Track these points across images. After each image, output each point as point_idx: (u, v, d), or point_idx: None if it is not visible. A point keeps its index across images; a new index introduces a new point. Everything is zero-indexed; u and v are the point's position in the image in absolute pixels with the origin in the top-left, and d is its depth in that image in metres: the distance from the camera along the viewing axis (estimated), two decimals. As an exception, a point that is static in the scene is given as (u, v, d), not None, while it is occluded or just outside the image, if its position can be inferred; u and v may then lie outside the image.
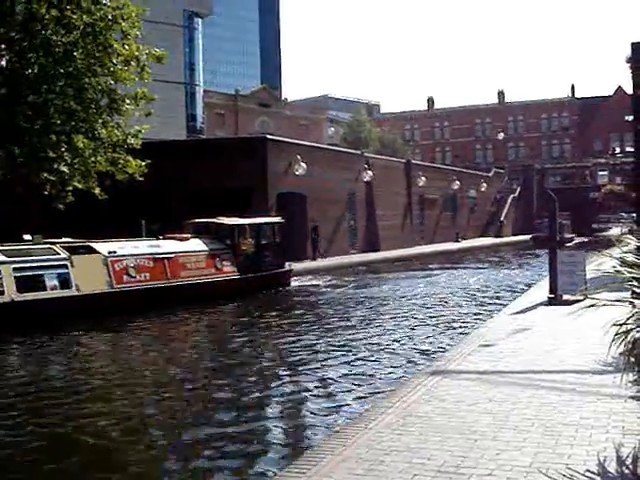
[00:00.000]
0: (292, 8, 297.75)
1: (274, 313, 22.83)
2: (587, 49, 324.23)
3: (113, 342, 18.61)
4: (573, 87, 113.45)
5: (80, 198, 25.67)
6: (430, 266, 39.96)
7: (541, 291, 19.07)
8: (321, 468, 6.46)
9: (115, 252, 22.43)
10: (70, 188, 25.01)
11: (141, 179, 26.12)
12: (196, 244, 25.68)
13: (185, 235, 25.79)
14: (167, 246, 24.50)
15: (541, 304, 17.04)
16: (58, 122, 24.16)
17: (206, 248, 25.78)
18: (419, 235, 57.07)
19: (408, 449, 6.79)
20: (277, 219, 29.72)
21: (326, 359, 14.70)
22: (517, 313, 16.10)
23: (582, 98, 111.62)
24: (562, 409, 7.95)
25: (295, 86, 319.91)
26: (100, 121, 24.79)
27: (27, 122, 24.18)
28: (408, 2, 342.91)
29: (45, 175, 24.32)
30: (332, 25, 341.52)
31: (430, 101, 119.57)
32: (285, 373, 13.91)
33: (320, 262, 38.06)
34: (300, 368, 14.08)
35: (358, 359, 14.65)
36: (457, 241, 60.77)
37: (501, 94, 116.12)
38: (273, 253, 28.80)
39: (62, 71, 23.94)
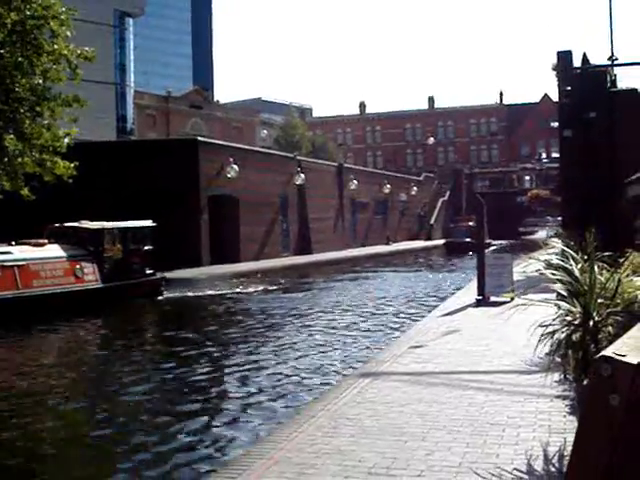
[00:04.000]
0: (225, 11, 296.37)
1: (132, 328, 21.05)
2: (515, 56, 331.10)
3: None
4: (501, 93, 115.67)
5: (5, 199, 25.03)
6: (360, 269, 40.20)
7: (469, 293, 19.37)
8: (252, 472, 6.44)
9: None
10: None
11: (69, 181, 25.58)
12: (53, 250, 23.37)
13: (41, 240, 23.50)
14: (18, 252, 22.12)
15: (469, 306, 17.32)
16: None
17: (64, 254, 23.47)
18: (351, 238, 57.36)
19: (339, 452, 6.81)
20: (148, 223, 26.90)
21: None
22: (446, 315, 16.32)
23: (510, 105, 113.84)
24: (490, 409, 8.08)
25: (228, 89, 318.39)
26: (28, 122, 24.20)
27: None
28: (339, 7, 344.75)
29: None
30: (265, 28, 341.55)
31: (362, 105, 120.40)
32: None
33: (247, 265, 37.84)
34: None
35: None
36: (388, 244, 61.30)
37: (431, 100, 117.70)
38: (143, 260, 26.60)
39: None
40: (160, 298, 26.43)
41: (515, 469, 6.13)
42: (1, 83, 23.67)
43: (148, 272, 26.85)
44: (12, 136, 23.86)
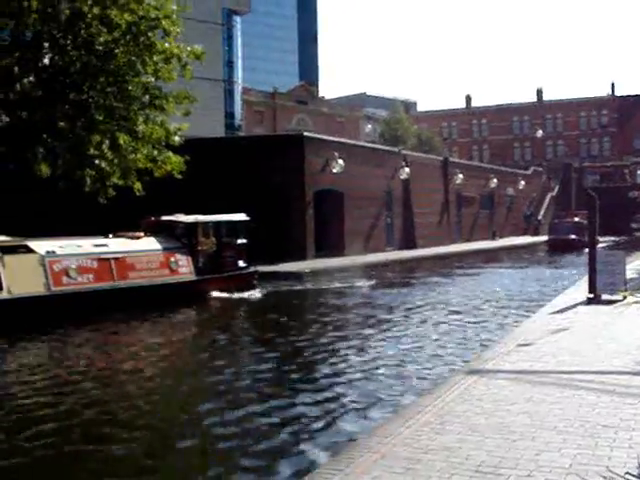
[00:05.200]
0: (329, 6, 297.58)
1: (227, 318, 21.70)
2: (628, 47, 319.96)
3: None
4: (613, 85, 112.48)
5: (118, 194, 25.93)
6: (466, 264, 39.73)
7: (580, 290, 18.91)
8: (359, 465, 6.49)
9: (54, 252, 20.61)
10: (110, 183, 25.33)
11: (179, 176, 26.32)
12: (149, 243, 23.74)
13: (137, 233, 23.86)
14: (115, 245, 22.58)
15: (580, 304, 16.90)
16: (100, 119, 24.50)
17: (159, 247, 23.82)
18: (456, 233, 56.77)
19: (446, 448, 6.80)
20: (242, 216, 26.98)
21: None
22: (556, 312, 15.97)
23: (622, 96, 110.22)
24: (601, 410, 7.90)
25: (332, 84, 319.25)
26: (141, 119, 25.06)
27: (68, 120, 24.55)
28: (447, 1, 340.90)
29: (87, 170, 24.70)
30: (369, 23, 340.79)
31: (468, 99, 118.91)
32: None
33: (351, 259, 37.83)
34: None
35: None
36: (494, 239, 60.38)
37: (539, 92, 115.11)
38: (236, 253, 26.65)
39: (104, 69, 24.25)
40: (254, 291, 26.22)
41: (627, 473, 5.98)
42: (115, 82, 24.60)
43: (241, 265, 26.95)
44: (126, 134, 24.77)
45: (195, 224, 25.33)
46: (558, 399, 8.42)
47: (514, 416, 7.78)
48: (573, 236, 51.38)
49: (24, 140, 24.62)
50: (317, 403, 11.12)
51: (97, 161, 24.67)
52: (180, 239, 24.83)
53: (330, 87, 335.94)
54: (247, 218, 27.05)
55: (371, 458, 6.63)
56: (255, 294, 25.82)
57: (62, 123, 24.57)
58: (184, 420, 10.91)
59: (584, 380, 9.31)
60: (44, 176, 25.31)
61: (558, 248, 50.77)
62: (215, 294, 24.75)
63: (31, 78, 25.00)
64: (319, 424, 10.00)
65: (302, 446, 9.13)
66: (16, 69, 24.62)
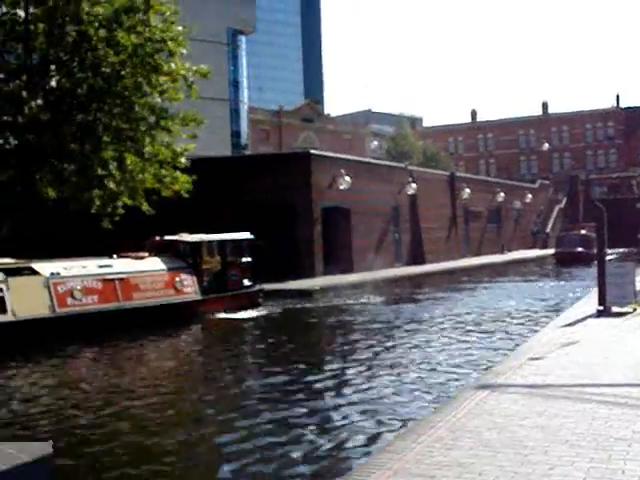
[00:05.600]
0: (333, 25, 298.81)
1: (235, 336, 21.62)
2: (632, 58, 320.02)
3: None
4: (618, 97, 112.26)
5: (124, 213, 25.97)
6: (475, 279, 39.62)
7: (590, 303, 18.85)
8: (371, 482, 6.47)
9: (58, 273, 20.62)
10: (119, 204, 25.42)
11: (186, 196, 26.40)
12: (153, 263, 23.67)
13: (141, 253, 23.88)
14: (120, 266, 22.54)
15: (590, 316, 16.84)
16: (107, 140, 24.67)
17: (164, 267, 23.73)
18: (464, 247, 56.66)
19: (458, 464, 6.76)
20: (246, 235, 26.90)
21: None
22: (566, 326, 15.91)
23: (627, 108, 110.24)
24: (614, 423, 7.85)
25: (338, 102, 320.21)
26: (148, 139, 25.20)
27: (76, 142, 24.70)
28: (450, 17, 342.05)
29: (95, 191, 24.81)
30: (373, 40, 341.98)
31: (473, 113, 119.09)
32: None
33: (360, 276, 37.76)
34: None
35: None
36: (503, 253, 60.24)
37: (545, 105, 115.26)
38: (241, 272, 26.55)
39: (110, 90, 24.43)
40: (259, 309, 26.08)
41: (642, 486, 5.96)
42: (121, 103, 24.78)
43: (247, 284, 26.83)
44: (133, 155, 24.94)
45: (199, 243, 25.27)
46: (570, 413, 8.37)
47: (526, 430, 7.74)
48: (580, 249, 51.00)
49: (32, 163, 24.78)
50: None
51: (105, 181, 24.80)
52: (185, 259, 24.77)
53: (335, 104, 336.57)
54: (251, 237, 26.96)
55: (383, 475, 6.59)
56: (261, 312, 25.64)
57: (72, 145, 24.73)
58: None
59: (595, 393, 9.27)
60: (51, 198, 25.43)
61: (565, 261, 50.14)
62: (220, 314, 24.65)
63: (39, 101, 25.18)
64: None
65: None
66: (24, 93, 24.81)
